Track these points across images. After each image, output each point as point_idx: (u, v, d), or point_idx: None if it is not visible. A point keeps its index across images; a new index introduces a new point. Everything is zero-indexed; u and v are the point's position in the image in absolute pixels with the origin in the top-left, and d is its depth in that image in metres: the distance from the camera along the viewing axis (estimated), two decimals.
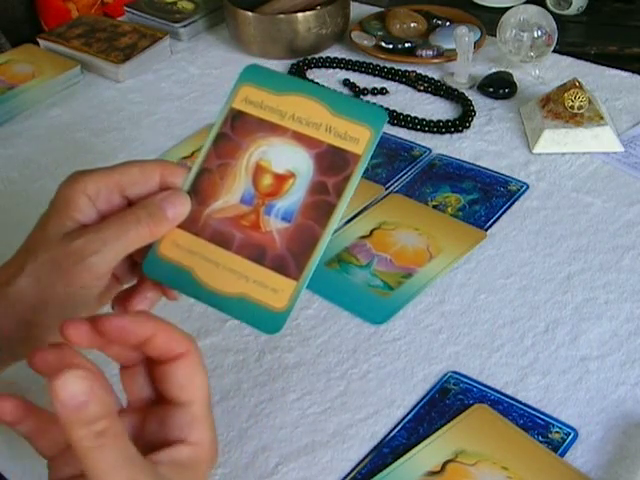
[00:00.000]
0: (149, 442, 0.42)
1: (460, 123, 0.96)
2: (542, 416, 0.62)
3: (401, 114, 0.98)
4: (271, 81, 0.51)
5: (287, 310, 0.47)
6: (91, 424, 0.35)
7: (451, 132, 0.95)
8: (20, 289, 0.48)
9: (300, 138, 0.49)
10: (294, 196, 0.48)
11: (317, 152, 0.49)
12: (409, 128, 0.97)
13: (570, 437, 0.60)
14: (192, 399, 0.42)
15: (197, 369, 0.42)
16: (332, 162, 0.48)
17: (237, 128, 0.51)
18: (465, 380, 0.66)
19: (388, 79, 1.08)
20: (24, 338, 0.49)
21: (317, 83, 1.05)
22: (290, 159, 0.49)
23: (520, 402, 0.63)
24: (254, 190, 0.49)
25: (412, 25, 1.13)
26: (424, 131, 0.96)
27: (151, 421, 0.43)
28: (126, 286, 0.53)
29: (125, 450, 0.37)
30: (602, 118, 0.91)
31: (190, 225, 0.49)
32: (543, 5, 1.45)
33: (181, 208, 0.49)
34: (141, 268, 0.49)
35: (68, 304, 0.48)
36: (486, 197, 0.85)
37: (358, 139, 0.48)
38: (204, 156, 0.51)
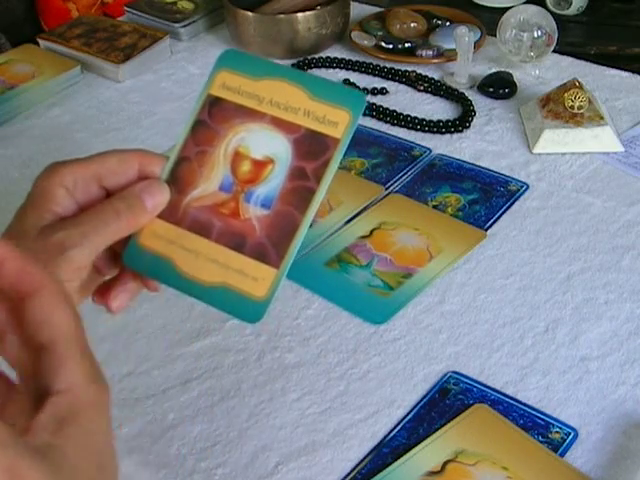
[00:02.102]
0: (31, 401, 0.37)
1: (460, 123, 0.96)
2: (542, 416, 0.62)
3: (401, 114, 0.98)
4: (249, 66, 0.50)
5: (268, 299, 0.46)
6: None
7: (451, 132, 0.95)
8: None
9: (278, 123, 0.48)
10: (273, 182, 0.48)
11: (296, 137, 0.48)
12: (409, 128, 0.97)
13: (570, 437, 0.60)
14: (53, 338, 0.37)
15: (55, 304, 0.38)
16: (311, 147, 0.47)
17: (215, 115, 0.50)
18: (465, 380, 0.66)
19: (388, 79, 1.07)
20: None
21: None
22: (269, 145, 0.48)
23: (520, 402, 0.63)
24: (233, 177, 0.48)
25: (412, 25, 1.13)
26: (424, 131, 0.96)
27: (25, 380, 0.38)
28: (108, 277, 0.52)
29: None
30: (602, 118, 0.91)
31: (169, 215, 0.48)
32: (543, 5, 1.44)
33: (160, 198, 0.48)
34: (121, 259, 0.49)
35: None
36: (486, 197, 0.85)
37: (337, 123, 0.47)
38: (182, 144, 0.50)
